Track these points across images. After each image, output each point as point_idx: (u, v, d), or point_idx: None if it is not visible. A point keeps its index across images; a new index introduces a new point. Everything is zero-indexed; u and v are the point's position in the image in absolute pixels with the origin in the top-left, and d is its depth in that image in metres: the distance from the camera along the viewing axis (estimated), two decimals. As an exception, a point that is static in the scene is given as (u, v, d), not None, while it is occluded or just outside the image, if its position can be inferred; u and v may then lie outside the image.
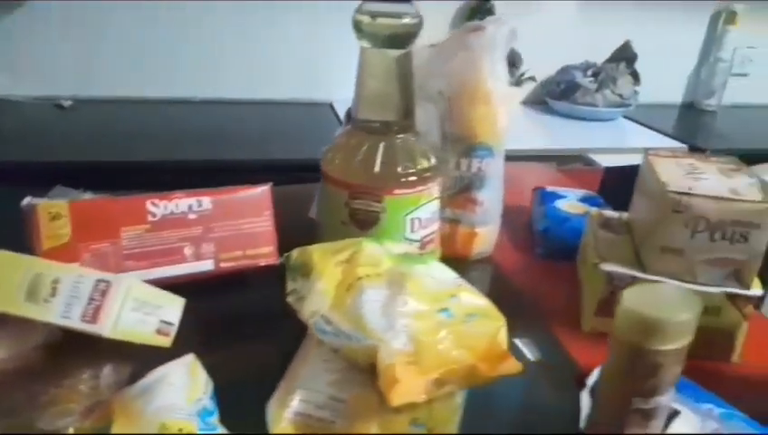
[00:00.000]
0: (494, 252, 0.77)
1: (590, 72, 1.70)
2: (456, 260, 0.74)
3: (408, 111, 0.61)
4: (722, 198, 0.53)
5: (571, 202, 0.83)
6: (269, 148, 1.37)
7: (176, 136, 1.40)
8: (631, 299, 0.34)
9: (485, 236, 0.74)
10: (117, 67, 1.56)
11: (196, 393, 0.42)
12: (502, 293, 0.71)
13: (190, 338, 0.49)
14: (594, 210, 0.72)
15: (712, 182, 0.56)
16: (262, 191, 0.62)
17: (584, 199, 0.85)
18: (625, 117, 1.79)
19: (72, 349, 0.43)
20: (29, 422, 0.41)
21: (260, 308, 0.59)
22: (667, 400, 0.35)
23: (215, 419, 0.43)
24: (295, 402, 0.43)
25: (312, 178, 0.67)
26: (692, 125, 1.91)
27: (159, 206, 0.56)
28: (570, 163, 1.50)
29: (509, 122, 0.70)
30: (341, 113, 1.55)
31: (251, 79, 1.65)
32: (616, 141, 1.63)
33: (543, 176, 1.09)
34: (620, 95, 1.70)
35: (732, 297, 0.56)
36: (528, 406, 0.51)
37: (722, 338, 0.57)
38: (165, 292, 0.46)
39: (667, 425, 0.43)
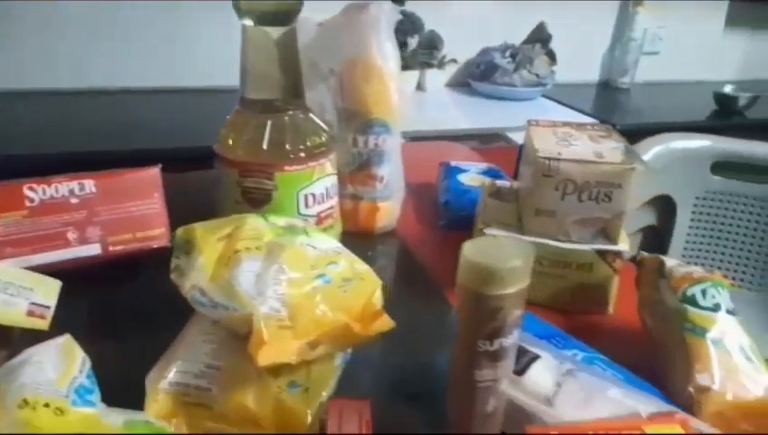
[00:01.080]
0: (398, 226, 0.80)
1: (507, 54, 1.75)
2: (361, 235, 0.76)
3: (295, 89, 0.62)
4: (586, 162, 0.57)
5: (472, 175, 0.86)
6: (185, 136, 1.34)
7: (90, 127, 1.35)
8: (470, 250, 0.36)
9: (387, 210, 0.77)
10: (28, 59, 1.49)
11: (70, 372, 0.42)
12: (404, 265, 0.75)
13: (74, 322, 0.49)
14: (488, 181, 0.75)
15: (580, 147, 0.60)
16: (150, 173, 0.62)
17: (486, 173, 0.88)
18: (544, 96, 1.85)
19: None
20: None
21: (151, 292, 0.59)
22: (512, 341, 0.38)
23: (94, 397, 0.43)
24: (172, 373, 0.44)
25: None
26: (607, 102, 2.00)
27: (38, 190, 0.55)
28: (490, 142, 1.55)
29: (402, 99, 0.72)
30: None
31: (166, 67, 1.61)
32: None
33: (460, 154, 1.13)
34: (537, 75, 1.76)
35: (602, 253, 0.60)
36: (408, 365, 0.53)
37: (596, 292, 0.62)
38: (37, 274, 0.46)
39: (526, 368, 0.46)
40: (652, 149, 1.16)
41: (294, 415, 0.42)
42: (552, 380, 0.44)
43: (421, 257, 0.74)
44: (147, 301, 0.58)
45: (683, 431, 0.33)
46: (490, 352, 0.38)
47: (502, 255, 0.36)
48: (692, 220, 1.22)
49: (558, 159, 0.57)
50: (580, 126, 0.67)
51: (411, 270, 0.72)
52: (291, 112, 0.62)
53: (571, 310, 0.62)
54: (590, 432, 0.32)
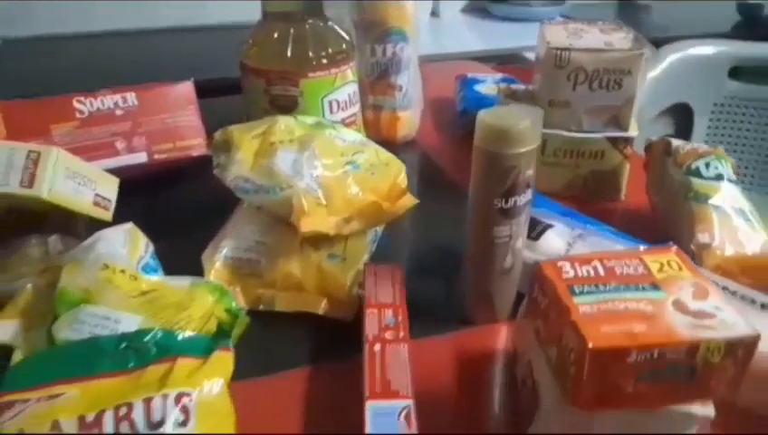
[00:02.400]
0: (418, 136, 0.83)
1: (523, -28, 1.71)
2: (383, 144, 0.80)
3: (314, -1, 0.65)
4: (596, 50, 0.59)
5: (488, 85, 0.89)
6: (209, 70, 1.37)
7: (110, 68, 1.39)
8: (486, 115, 0.40)
9: (408, 119, 0.80)
10: (46, 5, 1.52)
11: (137, 252, 0.48)
12: (425, 170, 0.79)
13: (128, 219, 0.54)
14: (503, 85, 0.78)
15: (590, 39, 0.62)
16: (185, 86, 0.66)
17: (501, 82, 0.90)
18: (562, 15, 1.82)
19: (18, 225, 0.49)
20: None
21: (193, 194, 0.64)
22: (524, 200, 0.43)
23: (159, 274, 0.49)
24: (226, 249, 0.49)
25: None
26: (627, 19, 1.94)
27: (86, 103, 0.60)
28: (507, 64, 1.54)
29: (416, 8, 0.74)
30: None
31: (182, 6, 1.62)
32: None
33: (476, 71, 1.14)
34: (554, -7, 1.73)
35: (613, 141, 0.63)
36: (428, 241, 0.58)
37: (608, 179, 0.65)
38: (99, 169, 0.51)
39: (540, 234, 0.51)
40: (669, 57, 1.16)
41: (335, 280, 0.48)
42: (564, 242, 0.49)
43: (441, 163, 0.78)
44: (189, 201, 0.64)
45: (677, 257, 0.37)
46: (505, 209, 0.42)
47: (514, 118, 0.40)
48: (709, 128, 1.23)
49: (569, 50, 0.60)
50: (591, 22, 0.69)
51: (432, 174, 0.76)
52: (311, 21, 0.65)
53: (585, 198, 0.66)
54: (596, 258, 0.37)
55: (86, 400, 0.34)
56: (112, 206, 0.53)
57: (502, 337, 0.47)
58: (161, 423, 0.33)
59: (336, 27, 0.67)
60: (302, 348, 0.46)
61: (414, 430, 0.34)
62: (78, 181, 0.47)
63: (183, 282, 0.45)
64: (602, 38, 0.62)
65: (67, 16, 1.55)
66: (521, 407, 0.40)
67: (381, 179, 0.52)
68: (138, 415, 0.33)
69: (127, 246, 0.47)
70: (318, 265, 0.48)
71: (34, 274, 0.47)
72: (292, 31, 0.64)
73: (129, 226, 0.50)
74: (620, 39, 0.62)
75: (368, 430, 0.34)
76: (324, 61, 0.64)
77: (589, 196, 0.66)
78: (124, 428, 0.32)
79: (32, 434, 0.32)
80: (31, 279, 0.46)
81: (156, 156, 0.64)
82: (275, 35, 0.64)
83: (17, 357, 0.41)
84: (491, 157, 0.40)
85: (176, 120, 0.65)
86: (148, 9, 1.61)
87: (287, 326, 0.47)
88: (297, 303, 0.48)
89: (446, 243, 0.58)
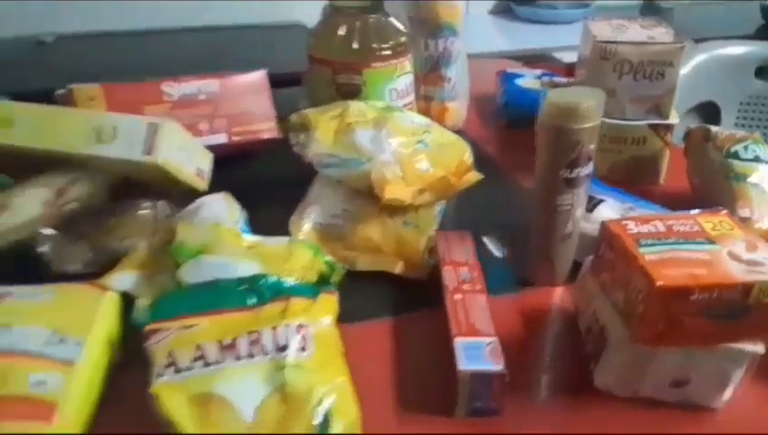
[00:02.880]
0: (465, 126, 0.89)
1: (550, -24, 1.77)
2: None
3: (377, -5, 0.71)
4: (641, 43, 0.65)
5: (528, 79, 0.94)
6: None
7: (157, 65, 1.46)
8: (555, 94, 0.46)
9: (456, 109, 0.86)
10: (95, 2, 1.59)
11: (233, 217, 0.54)
12: (475, 157, 0.84)
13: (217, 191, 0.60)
14: (545, 79, 0.83)
15: (634, 33, 0.67)
16: (259, 75, 0.72)
17: (541, 77, 0.96)
18: (587, 18, 1.87)
19: (130, 191, 0.55)
20: (107, 242, 0.52)
21: (266, 170, 0.70)
22: (586, 172, 0.48)
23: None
24: (312, 215, 0.55)
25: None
26: (649, 22, 2.00)
27: (174, 87, 0.66)
28: (535, 63, 1.59)
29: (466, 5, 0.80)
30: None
31: (226, 4, 1.69)
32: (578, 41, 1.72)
33: (512, 68, 1.19)
34: (580, -4, 1.78)
35: (654, 128, 0.68)
36: (482, 215, 0.63)
37: (649, 164, 0.71)
38: (199, 144, 0.57)
39: (594, 208, 0.56)
40: (696, 57, 1.20)
41: (410, 244, 0.54)
42: (617, 214, 0.54)
43: (487, 151, 0.83)
44: (263, 176, 0.70)
45: (728, 219, 0.42)
46: (569, 179, 0.48)
47: (581, 97, 0.45)
48: (735, 125, 1.27)
49: (615, 43, 0.65)
50: (631, 19, 0.74)
51: (480, 161, 0.81)
52: (374, 17, 0.71)
53: (627, 182, 0.71)
54: (656, 219, 0.42)
55: (217, 329, 0.40)
56: (208, 177, 0.59)
57: (562, 296, 0.52)
58: (286, 347, 0.38)
59: (396, 22, 0.73)
60: (381, 302, 0.51)
61: (501, 360, 0.40)
62: (186, 154, 0.53)
63: (279, 241, 0.51)
64: (645, 32, 0.68)
65: (126, 14, 1.62)
66: (585, 352, 0.45)
67: (449, 157, 0.58)
68: (267, 340, 0.39)
69: (226, 211, 0.54)
70: (395, 231, 0.54)
71: (146, 233, 0.53)
72: (357, 25, 0.70)
73: (224, 194, 0.57)
74: (662, 33, 0.67)
75: (460, 361, 0.40)
76: (386, 52, 0.70)
77: (630, 180, 0.71)
78: (256, 350, 0.38)
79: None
80: (143, 238, 0.52)
81: (234, 137, 0.70)
82: (342, 29, 0.70)
83: (141, 303, 0.46)
84: (559, 131, 0.46)
85: (250, 106, 0.71)
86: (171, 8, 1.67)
87: (366, 284, 0.53)
88: (376, 263, 0.53)
89: (498, 216, 0.63)
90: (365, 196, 0.56)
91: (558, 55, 1.58)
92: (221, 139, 0.69)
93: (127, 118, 0.51)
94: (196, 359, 0.38)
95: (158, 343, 0.39)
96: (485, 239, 0.52)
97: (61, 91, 0.63)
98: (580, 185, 0.48)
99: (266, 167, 0.72)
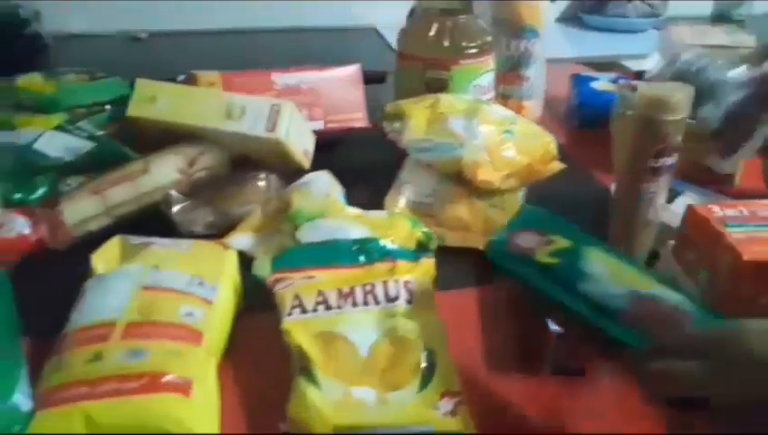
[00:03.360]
0: (539, 124, 0.92)
1: (621, -16, 1.77)
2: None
3: (466, -3, 0.76)
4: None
5: (603, 83, 0.97)
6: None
7: (239, 62, 1.56)
8: (645, 87, 0.50)
9: (531, 108, 0.90)
10: (184, 2, 1.71)
11: (336, 192, 0.60)
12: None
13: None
14: (623, 81, 0.86)
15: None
16: (354, 68, 0.78)
17: (615, 81, 0.98)
18: (655, 28, 1.87)
19: (245, 165, 0.62)
20: (226, 208, 0.59)
21: (359, 155, 0.76)
22: (671, 162, 0.51)
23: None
24: (407, 193, 0.61)
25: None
26: (722, 34, 1.97)
27: (281, 77, 0.73)
28: (605, 70, 1.61)
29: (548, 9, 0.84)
30: (389, 38, 1.69)
31: (300, 6, 1.77)
32: (648, 51, 1.72)
33: (584, 72, 1.22)
34: (650, 5, 1.78)
35: (733, 130, 0.70)
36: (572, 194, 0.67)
37: (725, 165, 0.72)
38: (307, 126, 0.64)
39: (673, 199, 0.59)
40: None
41: (498, 223, 0.58)
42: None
43: (565, 149, 0.86)
44: (356, 161, 0.76)
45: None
46: (655, 168, 0.51)
47: (671, 90, 0.49)
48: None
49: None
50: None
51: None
52: (464, 17, 0.76)
53: (701, 183, 0.73)
54: (740, 205, 0.45)
55: (335, 281, 0.45)
56: (311, 157, 0.65)
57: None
58: (396, 299, 0.44)
59: (482, 22, 0.78)
60: (467, 273, 0.56)
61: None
62: (299, 134, 0.59)
63: (380, 213, 0.56)
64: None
65: (210, 14, 1.73)
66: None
67: (534, 146, 0.62)
68: (379, 291, 0.44)
69: (331, 187, 0.60)
70: (483, 212, 0.59)
71: (260, 201, 0.59)
72: (448, 24, 0.75)
73: (326, 172, 0.63)
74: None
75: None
76: (473, 51, 0.75)
77: (704, 181, 0.73)
78: (370, 299, 0.44)
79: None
80: (258, 205, 0.59)
81: (329, 125, 0.76)
82: (434, 28, 0.75)
83: (260, 265, 0.52)
84: (649, 121, 0.50)
85: (345, 97, 0.77)
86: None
87: (453, 257, 0.57)
88: (465, 240, 0.58)
89: (572, 204, 0.67)
90: (453, 179, 0.61)
91: (628, 64, 1.58)
92: (318, 125, 0.75)
93: (253, 98, 0.58)
94: (318, 303, 0.43)
95: (285, 289, 0.45)
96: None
97: (182, 77, 0.71)
98: (663, 174, 0.52)
99: (354, 152, 0.78)
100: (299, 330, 0.42)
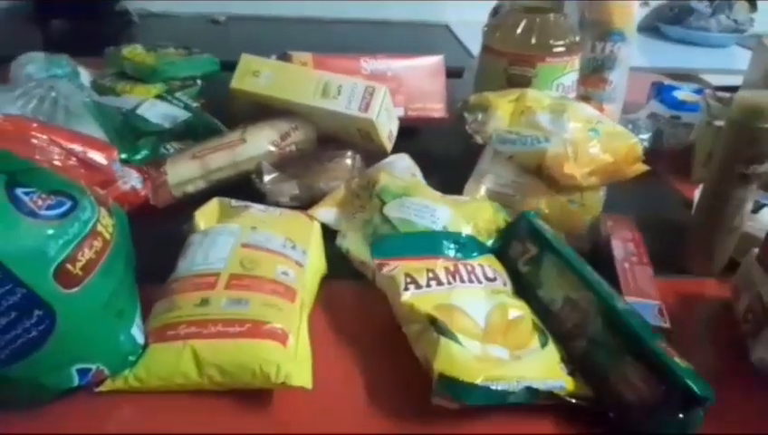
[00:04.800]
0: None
1: (706, -3, 1.72)
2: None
3: (557, -5, 0.76)
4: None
5: (686, 93, 0.95)
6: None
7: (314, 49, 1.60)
8: (742, 94, 0.49)
9: (611, 112, 0.89)
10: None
11: (417, 173, 0.62)
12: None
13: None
14: (709, 92, 0.85)
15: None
16: (437, 59, 0.80)
17: (698, 92, 0.97)
18: (738, 44, 1.80)
19: (336, 142, 0.64)
20: (311, 182, 0.62)
21: (438, 146, 0.78)
22: (762, 170, 0.51)
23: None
24: (487, 183, 0.62)
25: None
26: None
27: (369, 62, 0.76)
28: (681, 81, 1.57)
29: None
30: (461, 36, 1.70)
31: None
32: (728, 67, 1.67)
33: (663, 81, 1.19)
34: (735, 21, 1.72)
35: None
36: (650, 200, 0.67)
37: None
38: (395, 110, 0.66)
39: (758, 210, 0.58)
40: None
41: (577, 219, 0.59)
42: (784, 218, 0.56)
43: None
44: (432, 148, 0.78)
45: None
46: (745, 174, 0.51)
47: (765, 98, 0.49)
48: None
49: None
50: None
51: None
52: (554, 15, 0.76)
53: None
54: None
55: (436, 265, 0.48)
56: (393, 141, 0.67)
57: (716, 287, 0.55)
58: (495, 279, 0.46)
59: (571, 22, 0.78)
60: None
61: (667, 320, 0.44)
62: (387, 116, 0.62)
63: (462, 198, 0.58)
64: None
65: (288, 2, 1.79)
66: (741, 332, 0.49)
67: (619, 146, 0.62)
68: (479, 272, 0.46)
69: (413, 168, 0.62)
70: (562, 206, 0.60)
71: (344, 178, 0.62)
72: (537, 21, 0.76)
73: (407, 156, 0.65)
74: None
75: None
76: (560, 49, 0.76)
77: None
78: (473, 278, 0.46)
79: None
80: (343, 182, 0.62)
81: (410, 112, 0.78)
82: (522, 24, 0.76)
83: (344, 238, 0.55)
84: (744, 127, 0.49)
85: (427, 87, 0.79)
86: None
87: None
88: (542, 232, 0.59)
89: (651, 208, 0.67)
90: (533, 172, 0.62)
91: (707, 77, 1.54)
92: (399, 112, 0.77)
93: (350, 79, 0.60)
94: (431, 279, 0.46)
95: (393, 270, 0.47)
96: None
97: (274, 57, 0.75)
98: (753, 181, 0.51)
99: (432, 141, 0.80)
100: (420, 302, 0.44)
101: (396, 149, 0.75)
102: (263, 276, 0.45)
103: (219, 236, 0.49)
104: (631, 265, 0.50)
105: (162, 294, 0.45)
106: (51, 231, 0.35)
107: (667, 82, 1.00)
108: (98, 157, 0.52)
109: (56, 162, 0.50)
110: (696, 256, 0.56)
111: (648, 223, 0.63)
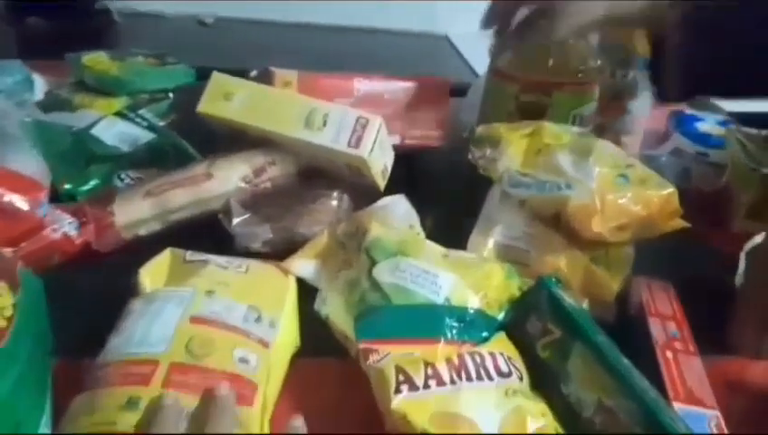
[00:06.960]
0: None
1: None
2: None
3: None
4: None
5: (710, 124, 0.87)
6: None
7: (302, 59, 1.50)
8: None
9: (629, 144, 0.80)
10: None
11: (415, 222, 0.53)
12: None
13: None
14: (732, 126, 0.76)
15: None
16: (442, 82, 0.71)
17: (722, 124, 0.88)
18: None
19: (320, 179, 0.55)
20: (289, 226, 0.52)
21: (436, 179, 0.69)
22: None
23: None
24: (496, 235, 0.52)
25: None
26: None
27: (363, 83, 0.66)
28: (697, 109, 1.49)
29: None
30: (460, 47, 1.60)
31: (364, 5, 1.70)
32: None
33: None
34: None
35: None
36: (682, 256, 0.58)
37: None
38: (389, 142, 0.56)
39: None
40: None
41: (603, 283, 0.49)
42: None
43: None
44: (432, 182, 0.68)
45: None
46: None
47: None
48: None
49: None
50: None
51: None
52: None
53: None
54: None
55: (436, 354, 0.38)
56: (387, 176, 0.58)
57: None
58: (509, 374, 0.37)
59: (592, 46, 0.69)
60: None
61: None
62: (381, 150, 0.52)
63: (468, 256, 0.48)
64: None
65: (277, 6, 1.69)
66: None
67: (651, 196, 0.53)
68: (489, 364, 0.37)
69: (410, 216, 0.52)
70: (585, 266, 0.50)
71: (330, 222, 0.52)
72: (554, 43, 0.66)
73: (404, 198, 0.55)
74: None
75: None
76: (580, 75, 0.66)
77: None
78: (482, 373, 0.36)
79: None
80: (326, 227, 0.52)
81: (407, 141, 0.68)
82: (537, 45, 0.67)
83: (324, 303, 0.45)
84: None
85: (427, 113, 0.70)
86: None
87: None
88: (562, 297, 0.49)
89: (685, 267, 0.57)
90: (546, 221, 0.52)
91: (721, 104, 1.46)
92: (394, 140, 0.68)
93: (338, 108, 0.51)
94: (429, 377, 0.36)
95: (382, 361, 0.37)
96: None
97: (254, 73, 0.65)
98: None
99: (429, 173, 0.71)
100: (415, 410, 0.34)
101: (391, 182, 0.65)
102: (213, 368, 0.35)
103: (166, 305, 0.39)
104: (675, 355, 0.41)
105: (87, 382, 0.35)
106: None
107: (689, 111, 0.91)
108: (18, 201, 0.42)
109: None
110: (750, 333, 0.47)
111: (685, 288, 0.54)
